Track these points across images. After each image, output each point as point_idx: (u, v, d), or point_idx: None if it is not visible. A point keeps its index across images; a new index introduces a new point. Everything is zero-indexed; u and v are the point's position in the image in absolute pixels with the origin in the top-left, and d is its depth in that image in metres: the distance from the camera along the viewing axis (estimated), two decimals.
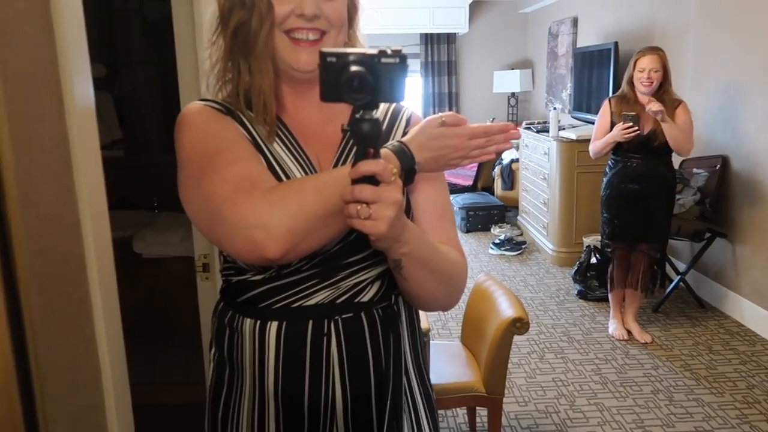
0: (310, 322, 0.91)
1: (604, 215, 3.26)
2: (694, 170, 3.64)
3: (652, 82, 2.98)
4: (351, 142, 0.93)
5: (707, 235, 3.49)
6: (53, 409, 0.83)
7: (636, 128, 2.96)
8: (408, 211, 0.95)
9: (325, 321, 0.91)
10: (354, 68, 0.70)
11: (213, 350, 1.01)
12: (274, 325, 0.91)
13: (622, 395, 2.77)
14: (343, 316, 0.91)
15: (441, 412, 2.67)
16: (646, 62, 2.99)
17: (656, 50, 3.03)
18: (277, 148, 0.92)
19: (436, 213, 0.97)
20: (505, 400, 2.75)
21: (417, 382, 1.03)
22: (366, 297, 0.93)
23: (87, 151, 0.93)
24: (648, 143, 3.01)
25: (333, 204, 0.78)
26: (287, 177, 0.90)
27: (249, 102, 0.93)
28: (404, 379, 0.99)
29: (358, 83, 0.70)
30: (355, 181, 0.72)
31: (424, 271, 0.88)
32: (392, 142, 0.87)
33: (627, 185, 3.11)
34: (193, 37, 1.54)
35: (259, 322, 0.92)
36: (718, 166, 3.53)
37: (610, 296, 3.41)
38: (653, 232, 3.17)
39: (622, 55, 4.45)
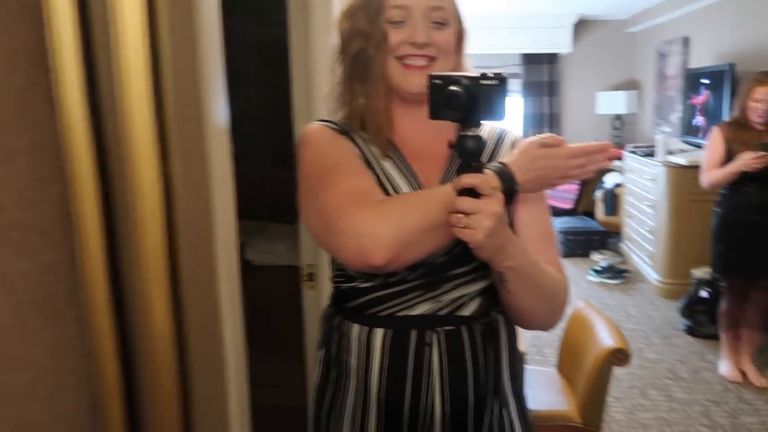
0: (414, 332, 0.96)
1: (719, 248, 3.05)
2: None
3: (766, 115, 2.79)
4: (456, 160, 0.98)
5: None
6: (197, 392, 0.95)
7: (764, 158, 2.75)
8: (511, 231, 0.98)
9: (427, 331, 0.96)
10: (451, 88, 0.80)
11: (322, 351, 1.09)
12: (380, 331, 0.97)
13: None
14: (445, 328, 0.96)
15: None
16: (762, 93, 2.80)
17: None
18: (388, 165, 0.99)
19: (538, 233, 1.01)
20: None
21: (514, 403, 1.04)
22: (467, 311, 0.98)
23: (221, 166, 1.03)
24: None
25: (434, 218, 0.85)
26: (396, 192, 0.97)
27: (363, 123, 1.01)
28: (501, 400, 1.01)
29: (454, 102, 0.80)
30: (459, 193, 0.80)
31: (528, 287, 0.93)
32: (494, 163, 0.91)
33: (746, 216, 2.91)
34: (305, 60, 1.64)
35: (366, 328, 0.98)
36: None
37: (721, 335, 3.19)
38: None
39: (740, 76, 4.20)
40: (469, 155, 0.82)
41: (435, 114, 0.83)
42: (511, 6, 5.93)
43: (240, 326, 1.13)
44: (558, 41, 6.62)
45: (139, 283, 0.87)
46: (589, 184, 6.29)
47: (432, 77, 0.83)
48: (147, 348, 0.89)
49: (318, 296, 1.75)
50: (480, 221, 0.79)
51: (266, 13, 2.44)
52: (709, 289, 3.64)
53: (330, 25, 1.43)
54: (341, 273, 1.02)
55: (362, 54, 0.97)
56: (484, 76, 0.81)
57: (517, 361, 1.06)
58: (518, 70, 6.99)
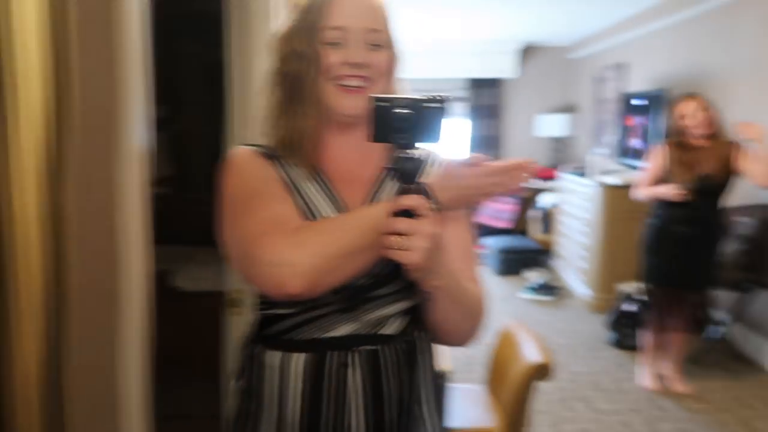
0: (333, 354, 0.95)
1: (650, 258, 3.16)
2: (739, 218, 3.51)
3: (701, 123, 2.92)
4: (383, 184, 1.00)
5: (746, 285, 3.34)
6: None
7: (689, 196, 2.91)
8: None
9: (347, 352, 0.95)
10: (400, 111, 0.80)
11: (239, 382, 1.04)
12: (299, 356, 0.95)
13: None
14: (365, 348, 0.95)
15: None
16: (684, 107, 2.96)
17: (692, 96, 3.00)
18: (313, 190, 0.98)
19: (460, 251, 1.00)
20: None
21: (430, 420, 1.03)
22: (389, 330, 0.98)
23: (133, 193, 0.98)
24: (704, 185, 2.93)
25: (356, 242, 0.85)
26: (319, 217, 0.96)
27: (292, 146, 0.99)
28: (421, 418, 1.01)
29: (400, 124, 0.80)
30: (394, 215, 0.80)
31: (453, 305, 0.94)
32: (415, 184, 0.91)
33: (677, 228, 3.02)
34: (242, 82, 1.60)
35: (284, 354, 0.96)
36: (765, 215, 3.40)
37: (645, 345, 3.28)
38: (697, 279, 3.07)
39: (672, 101, 4.40)
40: (406, 177, 0.81)
41: (379, 137, 0.82)
42: (460, 32, 6.06)
43: (142, 362, 1.05)
44: (503, 66, 6.81)
45: (14, 315, 0.81)
46: (525, 204, 6.43)
47: (376, 99, 0.82)
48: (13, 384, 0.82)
49: (244, 323, 1.70)
50: (417, 243, 0.79)
51: (209, 34, 2.41)
52: (634, 303, 3.75)
53: (267, 48, 1.43)
54: (263, 299, 1.01)
55: (298, 75, 0.96)
56: (427, 99, 0.82)
57: (434, 379, 1.06)
58: (465, 93, 7.14)
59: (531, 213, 6.24)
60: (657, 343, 3.22)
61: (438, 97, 0.82)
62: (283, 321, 0.97)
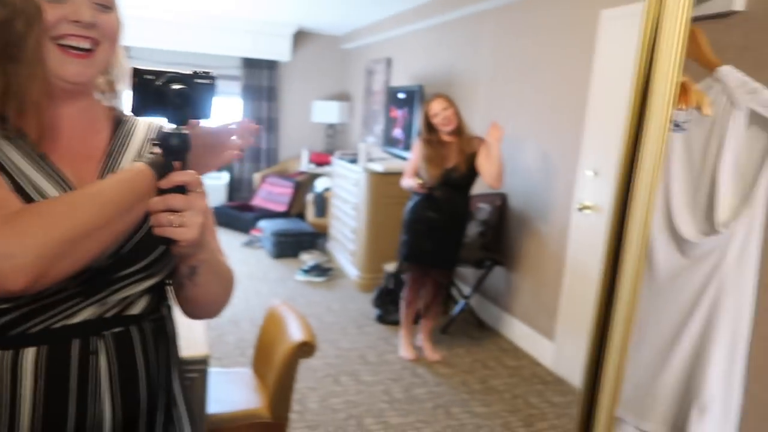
0: (76, 342, 0.86)
1: (404, 238, 3.49)
2: (480, 205, 4.05)
3: (448, 121, 3.29)
4: (113, 157, 0.94)
5: (487, 263, 3.89)
6: None
7: (424, 188, 3.32)
8: None
9: (92, 338, 0.87)
10: (176, 86, 0.79)
11: None
12: (31, 351, 0.84)
13: (406, 412, 2.94)
14: (113, 330, 0.89)
15: None
16: (434, 106, 3.32)
17: (440, 95, 3.39)
18: (32, 169, 0.86)
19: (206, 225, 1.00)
20: (296, 424, 2.79)
21: (182, 399, 1.03)
22: (136, 310, 0.92)
23: None
24: (450, 177, 3.30)
25: (86, 221, 0.78)
26: (43, 198, 0.85)
27: (5, 115, 0.85)
28: (171, 395, 1.00)
29: (176, 100, 0.78)
30: (165, 192, 0.78)
31: (213, 277, 0.94)
32: (147, 155, 0.88)
33: (427, 213, 3.38)
34: None
35: (11, 351, 0.84)
36: (499, 202, 3.97)
37: (402, 316, 3.63)
38: (443, 259, 3.46)
39: (427, 96, 4.84)
40: (175, 153, 0.80)
41: (141, 111, 0.81)
42: (231, 9, 5.89)
43: None
44: (278, 49, 6.80)
45: None
46: (301, 188, 6.58)
47: (142, 72, 0.79)
48: None
49: None
50: (193, 218, 0.78)
51: None
52: (396, 282, 4.11)
53: None
54: None
55: (8, 29, 0.82)
56: (196, 74, 0.81)
57: (178, 352, 1.05)
58: (238, 73, 7.00)
59: (307, 197, 6.40)
60: (411, 316, 3.59)
61: (207, 73, 0.82)
62: (8, 314, 0.84)
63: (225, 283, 1.00)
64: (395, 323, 4.03)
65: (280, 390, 2.10)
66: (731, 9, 1.23)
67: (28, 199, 0.84)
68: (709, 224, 1.20)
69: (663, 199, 1.30)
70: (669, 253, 1.28)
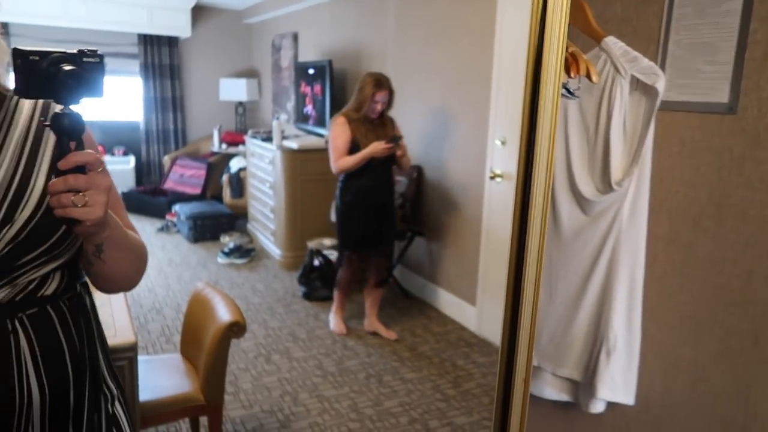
0: None
1: (344, 227, 3.47)
2: (397, 178, 4.13)
3: (384, 107, 3.33)
4: (7, 141, 0.92)
5: (408, 234, 4.00)
6: None
7: (395, 147, 3.25)
8: None
9: (8, 320, 0.89)
10: (68, 67, 0.77)
11: None
12: None
13: (339, 384, 3.02)
14: (28, 312, 0.91)
15: (163, 427, 2.58)
16: (382, 96, 3.29)
17: (389, 88, 3.32)
18: None
19: (113, 200, 0.97)
20: (230, 405, 2.79)
21: (108, 371, 1.06)
22: (49, 290, 0.94)
23: None
24: (386, 158, 3.31)
25: None
26: None
27: None
28: (96, 369, 1.02)
29: (71, 80, 0.77)
30: (63, 173, 0.78)
31: (122, 252, 0.94)
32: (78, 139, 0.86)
33: (364, 200, 3.38)
34: None
35: None
36: (415, 174, 4.07)
37: (336, 296, 3.67)
38: (389, 236, 3.54)
39: (336, 72, 4.84)
40: (68, 133, 0.79)
41: (28, 92, 0.79)
42: None
43: None
44: (176, 24, 6.52)
45: None
46: (215, 169, 6.42)
47: (26, 53, 0.77)
48: None
49: None
50: (97, 197, 0.79)
51: None
52: (321, 259, 4.14)
53: None
54: None
55: None
56: (83, 53, 0.79)
57: (100, 327, 1.07)
58: (135, 51, 6.66)
59: (222, 178, 6.26)
60: (344, 295, 3.65)
61: (95, 51, 0.81)
62: None
63: (134, 256, 1.00)
64: (322, 299, 4.08)
65: (212, 372, 2.11)
66: None
67: None
68: (605, 183, 1.33)
69: (564, 163, 1.41)
70: (572, 211, 1.40)
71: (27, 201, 0.88)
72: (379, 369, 3.18)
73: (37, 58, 0.78)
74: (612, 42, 1.30)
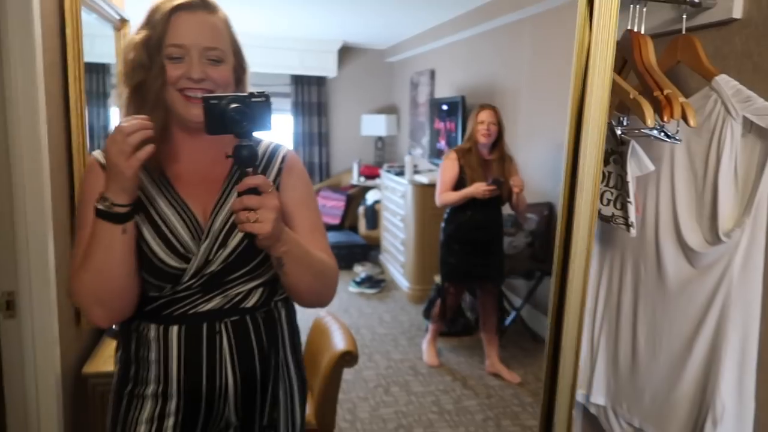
0: (205, 324, 1.13)
1: (447, 259, 3.50)
2: (528, 215, 4.03)
3: (490, 134, 3.31)
4: (232, 182, 1.16)
5: (537, 273, 3.86)
6: None
7: (497, 191, 3.23)
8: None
9: (216, 323, 1.13)
10: (233, 105, 0.95)
11: (119, 353, 1.21)
12: (175, 328, 1.13)
13: (455, 423, 2.97)
14: (231, 318, 1.14)
15: None
16: (485, 115, 3.31)
17: (492, 107, 3.37)
18: (161, 203, 1.12)
19: (309, 226, 1.20)
20: None
21: (295, 371, 1.27)
22: (249, 303, 1.17)
23: None
24: (498, 186, 3.27)
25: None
26: (170, 231, 1.11)
27: None
28: (283, 368, 1.24)
29: (229, 118, 0.95)
30: (242, 194, 0.96)
31: (301, 267, 1.10)
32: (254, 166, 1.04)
33: (470, 233, 3.38)
34: (24, 62, 1.52)
35: (162, 326, 1.13)
36: (546, 212, 3.94)
37: (430, 327, 3.70)
38: (495, 274, 3.49)
39: (469, 107, 4.87)
40: (245, 162, 0.96)
41: (212, 130, 0.97)
42: (279, 28, 6.11)
43: None
44: (324, 65, 6.98)
45: None
46: (353, 201, 6.71)
47: (208, 99, 0.97)
48: None
49: (20, 326, 1.60)
50: (266, 214, 0.95)
51: None
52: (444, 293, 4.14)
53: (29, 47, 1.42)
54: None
55: (142, 84, 1.09)
56: (252, 95, 0.97)
57: (296, 338, 1.30)
58: (288, 90, 7.23)
59: (359, 209, 6.53)
60: (439, 327, 3.68)
61: (261, 93, 0.98)
62: (156, 301, 1.13)
63: (315, 272, 1.14)
64: (446, 335, 4.06)
65: (325, 399, 2.19)
66: (731, 17, 1.22)
67: (153, 224, 1.10)
68: (713, 234, 1.20)
69: (670, 210, 1.30)
70: (678, 262, 1.28)
71: (237, 230, 1.07)
72: (498, 412, 3.08)
73: (216, 101, 0.97)
74: (723, 81, 1.19)
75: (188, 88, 1.08)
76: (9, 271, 1.56)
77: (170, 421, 1.13)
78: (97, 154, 1.14)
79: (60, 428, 1.70)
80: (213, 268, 1.11)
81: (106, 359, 1.94)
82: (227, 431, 1.21)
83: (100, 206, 1.02)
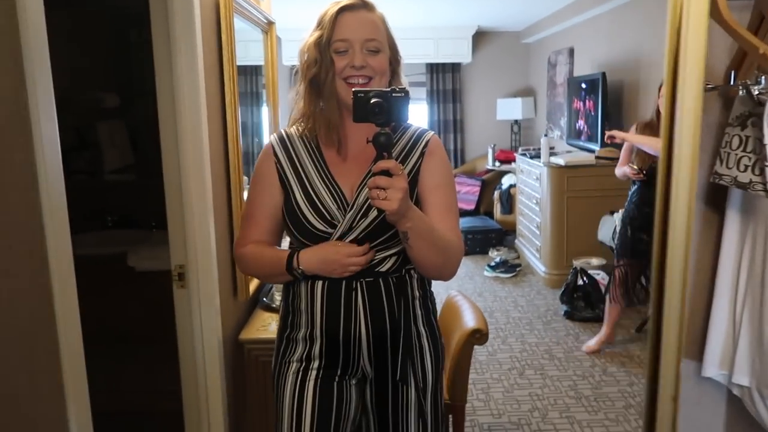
0: (344, 282, 1.32)
1: (620, 231, 3.40)
2: None
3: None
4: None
5: None
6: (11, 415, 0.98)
7: (639, 174, 3.18)
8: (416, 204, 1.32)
9: (353, 281, 1.32)
10: (375, 99, 1.11)
11: (282, 303, 1.45)
12: (320, 283, 1.34)
13: (594, 409, 2.90)
14: (366, 279, 1.33)
15: None
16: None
17: None
18: (314, 176, 1.35)
19: (441, 207, 1.34)
20: (480, 412, 2.93)
21: (426, 332, 1.40)
22: (384, 268, 1.34)
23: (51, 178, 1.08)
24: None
25: (272, 273, 1.41)
26: (319, 200, 1.33)
27: (318, 129, 1.35)
28: (413, 328, 1.37)
29: (373, 109, 1.11)
30: (376, 174, 1.11)
31: (425, 242, 1.24)
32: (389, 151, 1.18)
33: (644, 208, 3.23)
34: (188, 65, 1.75)
35: (310, 282, 1.35)
36: None
37: (606, 315, 3.53)
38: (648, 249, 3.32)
39: (612, 84, 4.64)
40: (382, 147, 1.11)
41: (359, 118, 1.14)
42: (415, 18, 6.23)
43: (77, 339, 1.17)
44: (459, 51, 6.99)
45: None
46: (488, 186, 6.67)
47: (356, 92, 1.13)
48: None
49: (189, 296, 1.86)
50: (393, 194, 1.09)
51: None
52: (585, 278, 4.01)
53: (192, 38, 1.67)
54: (291, 243, 1.41)
55: (317, 77, 1.31)
56: (393, 90, 1.12)
57: (429, 303, 1.43)
58: (424, 78, 7.33)
59: (494, 194, 6.49)
60: (615, 315, 3.48)
61: (401, 89, 1.14)
62: None
63: (439, 250, 1.27)
64: (585, 320, 3.95)
65: (456, 374, 2.26)
66: None
67: (307, 195, 1.33)
68: None
69: None
70: None
71: None
72: (641, 400, 2.96)
73: (362, 94, 1.13)
74: None
75: (351, 76, 1.28)
76: (180, 247, 1.81)
77: (315, 363, 1.36)
78: (273, 139, 1.39)
79: (222, 384, 1.95)
80: (355, 234, 1.30)
81: (258, 328, 2.18)
82: (365, 382, 1.39)
83: (294, 272, 1.32)
